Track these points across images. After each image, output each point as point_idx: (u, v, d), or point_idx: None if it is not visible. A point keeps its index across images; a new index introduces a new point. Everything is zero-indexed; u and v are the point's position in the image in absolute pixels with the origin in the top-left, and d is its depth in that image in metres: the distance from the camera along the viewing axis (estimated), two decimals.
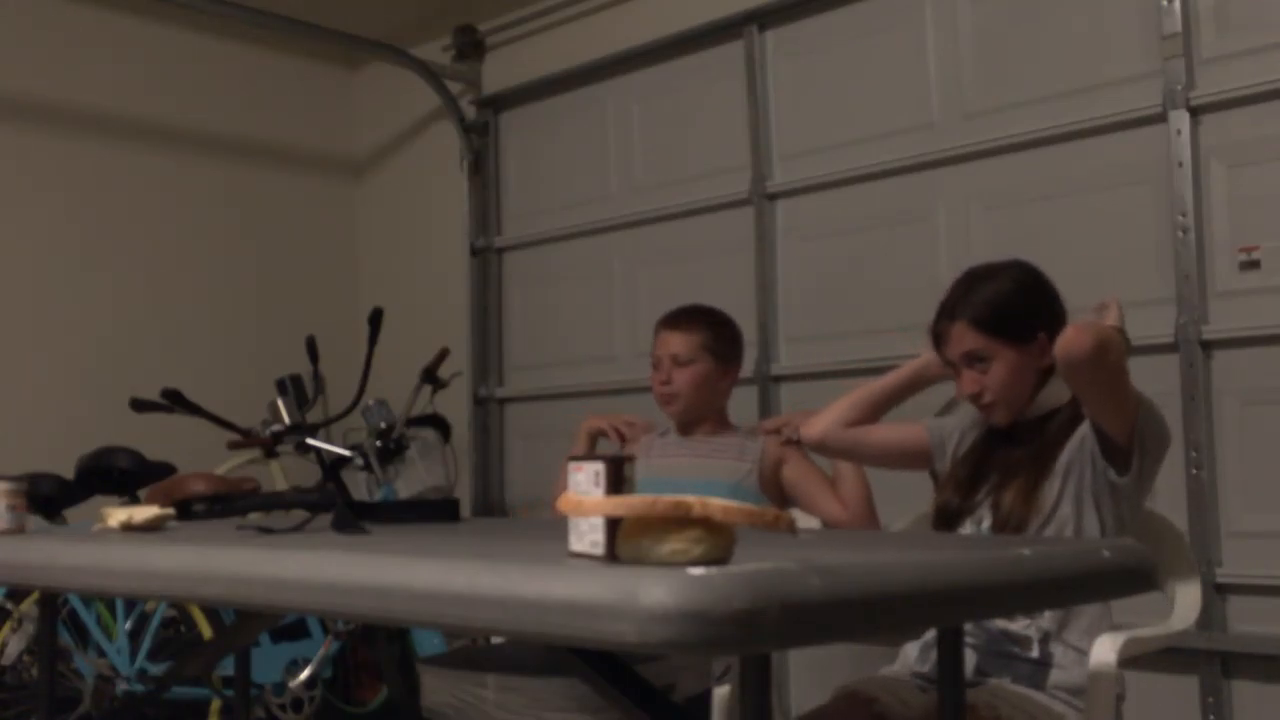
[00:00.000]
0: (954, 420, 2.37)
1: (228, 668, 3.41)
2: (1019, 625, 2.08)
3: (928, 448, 2.35)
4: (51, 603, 2.63)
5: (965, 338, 2.15)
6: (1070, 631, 2.07)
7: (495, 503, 4.73)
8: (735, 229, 4.00)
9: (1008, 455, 2.19)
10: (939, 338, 2.21)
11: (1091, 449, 2.07)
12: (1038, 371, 2.16)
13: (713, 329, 2.93)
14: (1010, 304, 2.16)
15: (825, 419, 2.43)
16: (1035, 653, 2.05)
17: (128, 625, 3.73)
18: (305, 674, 4.00)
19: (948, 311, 2.19)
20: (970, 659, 2.06)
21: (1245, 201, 3.03)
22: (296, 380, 3.80)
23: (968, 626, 2.05)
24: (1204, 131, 3.09)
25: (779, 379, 3.88)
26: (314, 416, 3.88)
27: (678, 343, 2.90)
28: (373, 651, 4.30)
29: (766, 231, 3.92)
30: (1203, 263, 3.07)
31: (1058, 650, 2.06)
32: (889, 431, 2.41)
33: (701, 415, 2.93)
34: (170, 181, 4.69)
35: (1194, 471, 3.00)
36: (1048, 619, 2.07)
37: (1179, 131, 3.10)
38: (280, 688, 3.99)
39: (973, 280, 2.20)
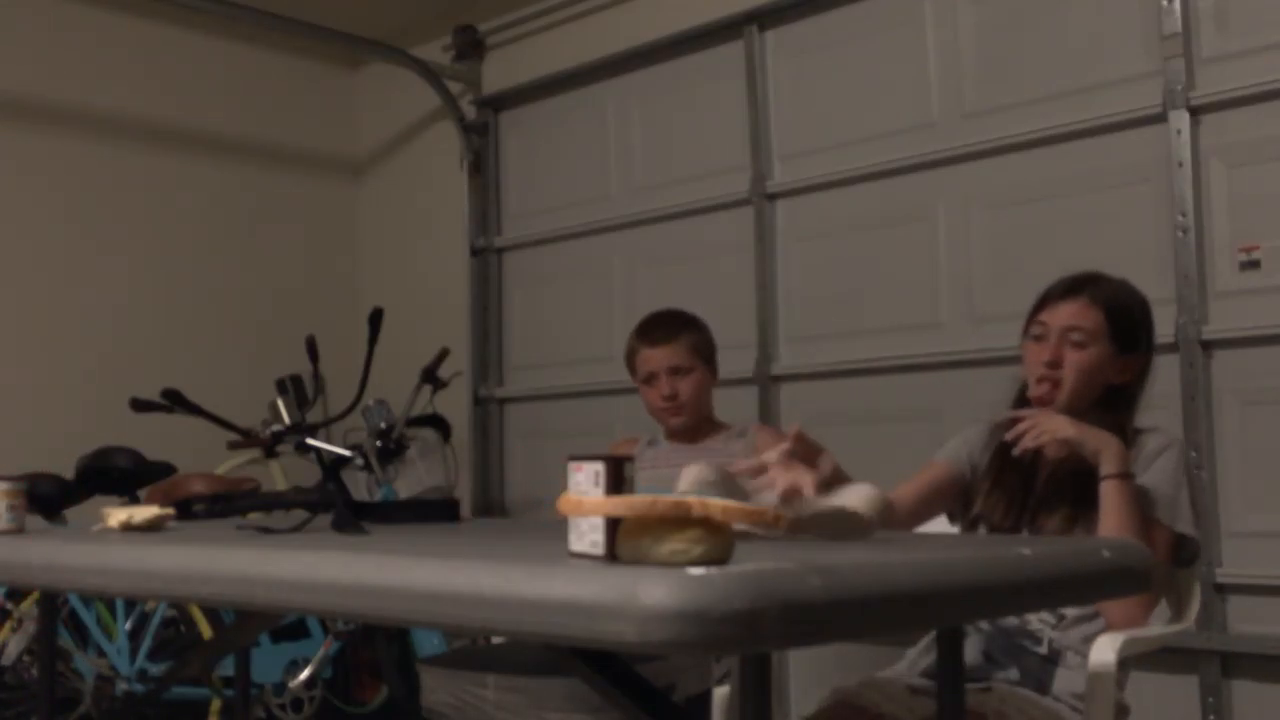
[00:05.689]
0: (962, 437, 2.32)
1: (228, 668, 3.42)
2: (1035, 617, 2.07)
3: (955, 473, 2.28)
4: (51, 603, 2.62)
5: (1082, 313, 2.13)
6: (1081, 631, 2.06)
7: (495, 503, 4.73)
8: (735, 229, 4.00)
9: (1048, 481, 2.17)
10: (1043, 304, 2.19)
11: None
12: (1105, 386, 2.14)
13: (697, 332, 2.94)
14: (1132, 307, 2.18)
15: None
16: (1044, 648, 2.05)
17: (128, 625, 3.73)
18: (305, 674, 4.00)
19: (1074, 285, 2.17)
20: (978, 645, 2.05)
21: (1245, 201, 3.03)
22: (296, 380, 3.78)
23: None
24: (1204, 131, 3.09)
25: (779, 379, 3.88)
26: (314, 416, 3.87)
27: (673, 354, 2.88)
28: (373, 651, 4.30)
29: (766, 231, 3.92)
30: (1203, 262, 3.07)
31: (1068, 650, 2.05)
32: (912, 489, 2.26)
33: (701, 421, 2.94)
34: (170, 181, 4.69)
35: (1194, 471, 3.00)
36: (1065, 616, 2.07)
37: (1179, 131, 3.10)
38: (280, 688, 3.99)
39: (1099, 274, 2.21)
